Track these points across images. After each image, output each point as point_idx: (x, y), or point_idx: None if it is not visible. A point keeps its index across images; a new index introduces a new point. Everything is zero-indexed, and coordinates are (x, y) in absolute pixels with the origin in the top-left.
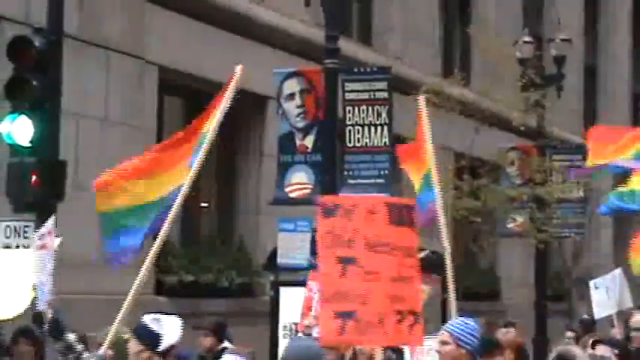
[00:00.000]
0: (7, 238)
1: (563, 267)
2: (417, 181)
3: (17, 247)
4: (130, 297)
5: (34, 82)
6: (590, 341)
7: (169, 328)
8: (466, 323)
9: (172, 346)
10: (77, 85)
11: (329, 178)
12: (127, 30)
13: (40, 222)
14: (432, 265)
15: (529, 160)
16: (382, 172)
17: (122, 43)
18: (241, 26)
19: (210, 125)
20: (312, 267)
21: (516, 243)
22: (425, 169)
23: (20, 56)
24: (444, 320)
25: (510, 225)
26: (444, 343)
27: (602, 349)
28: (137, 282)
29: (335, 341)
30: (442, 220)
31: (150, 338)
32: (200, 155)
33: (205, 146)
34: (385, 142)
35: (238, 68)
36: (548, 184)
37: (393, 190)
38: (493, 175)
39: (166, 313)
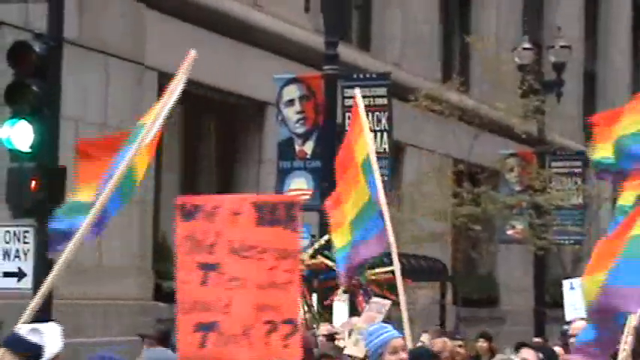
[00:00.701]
0: (7, 243)
1: (563, 273)
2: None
3: (17, 251)
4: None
5: (34, 88)
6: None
7: (50, 338)
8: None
9: (56, 356)
10: (77, 91)
11: (328, 184)
12: (126, 35)
13: (39, 227)
14: (430, 272)
15: (528, 167)
16: (382, 178)
17: (122, 48)
18: (241, 32)
19: (150, 117)
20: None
21: (515, 249)
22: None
23: (20, 62)
24: (442, 325)
25: (509, 232)
26: (402, 349)
27: (525, 353)
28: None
29: (195, 356)
30: (387, 217)
31: (30, 350)
32: (134, 147)
33: (141, 136)
34: (385, 148)
35: (192, 53)
36: (547, 191)
37: (393, 195)
38: (492, 182)
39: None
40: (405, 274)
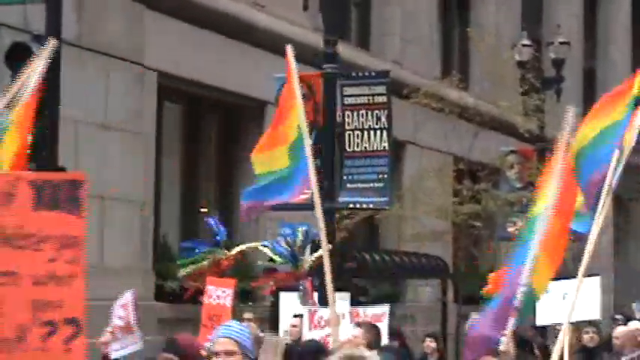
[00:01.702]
0: None
1: (564, 270)
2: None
3: None
4: None
5: None
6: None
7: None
8: (243, 327)
9: None
10: (76, 91)
11: (328, 183)
12: (125, 36)
13: None
14: (431, 270)
15: (529, 164)
16: (381, 176)
17: (121, 48)
18: (240, 32)
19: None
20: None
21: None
22: (289, 139)
23: (19, 63)
24: (443, 323)
25: (510, 229)
26: (228, 353)
27: None
28: None
29: None
30: (315, 193)
31: None
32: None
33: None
34: (384, 147)
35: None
36: None
37: (393, 194)
38: (492, 179)
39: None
40: (406, 271)
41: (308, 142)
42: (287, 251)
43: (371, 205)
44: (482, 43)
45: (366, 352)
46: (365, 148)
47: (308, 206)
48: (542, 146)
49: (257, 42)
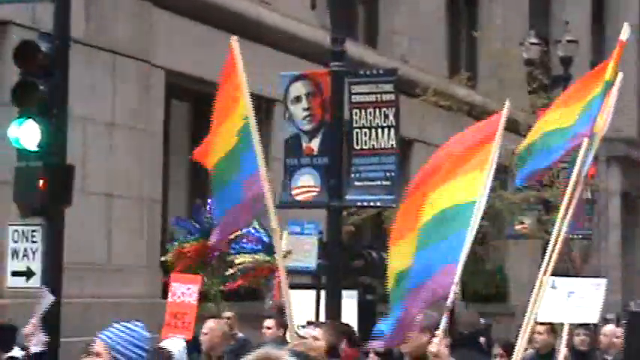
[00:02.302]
0: (15, 242)
1: (571, 269)
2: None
3: (25, 251)
4: None
5: (41, 87)
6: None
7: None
8: (130, 329)
9: None
10: (84, 90)
11: (336, 181)
12: (133, 34)
13: (47, 227)
14: None
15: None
16: (389, 174)
17: (129, 47)
18: (247, 29)
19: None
20: (320, 269)
21: (524, 245)
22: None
23: (27, 61)
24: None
25: (518, 227)
26: (96, 354)
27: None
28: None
29: None
30: (268, 196)
31: None
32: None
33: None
34: (392, 144)
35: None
36: (556, 186)
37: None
38: (500, 177)
39: None
40: None
41: (256, 136)
42: (258, 243)
43: (378, 204)
44: (489, 42)
45: (283, 354)
46: (372, 146)
47: (314, 204)
48: None
49: (265, 40)
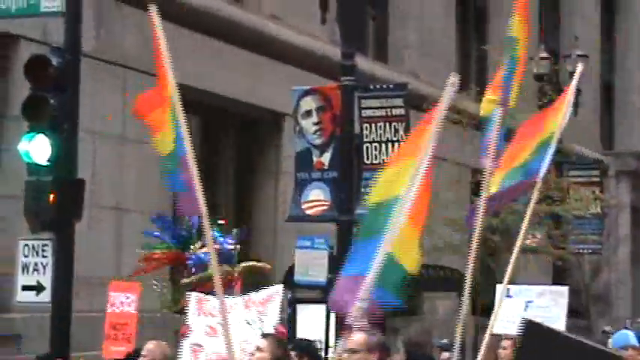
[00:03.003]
0: (26, 256)
1: (582, 283)
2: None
3: (36, 265)
4: None
5: (52, 101)
6: None
7: None
8: None
9: None
10: (94, 104)
11: (346, 195)
12: (144, 48)
13: (57, 241)
14: (448, 282)
15: (546, 177)
16: None
17: (139, 60)
18: (258, 44)
19: None
20: (331, 284)
21: (534, 259)
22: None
23: (38, 75)
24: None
25: (528, 241)
26: None
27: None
28: None
29: None
30: (197, 182)
31: None
32: None
33: None
34: None
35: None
36: (567, 201)
37: None
38: None
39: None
40: (424, 284)
41: (182, 120)
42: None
43: None
44: (499, 56)
45: None
46: (383, 160)
47: (324, 218)
48: (559, 159)
49: (275, 54)
